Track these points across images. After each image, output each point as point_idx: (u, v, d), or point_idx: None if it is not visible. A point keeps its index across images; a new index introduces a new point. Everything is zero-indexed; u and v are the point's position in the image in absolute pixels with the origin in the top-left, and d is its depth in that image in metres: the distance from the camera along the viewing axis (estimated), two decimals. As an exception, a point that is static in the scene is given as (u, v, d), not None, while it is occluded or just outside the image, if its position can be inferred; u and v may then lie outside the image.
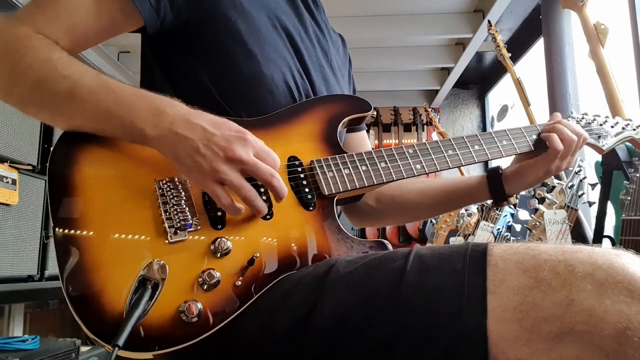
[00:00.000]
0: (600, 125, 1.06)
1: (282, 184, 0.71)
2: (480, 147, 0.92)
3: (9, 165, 1.83)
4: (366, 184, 0.83)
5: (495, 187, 1.01)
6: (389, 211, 1.09)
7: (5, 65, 0.73)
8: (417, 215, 1.15)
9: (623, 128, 1.09)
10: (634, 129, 1.10)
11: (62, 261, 0.65)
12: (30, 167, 1.96)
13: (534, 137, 0.97)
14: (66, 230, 0.67)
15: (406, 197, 1.08)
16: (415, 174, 0.87)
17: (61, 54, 0.74)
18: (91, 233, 0.68)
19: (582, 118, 1.05)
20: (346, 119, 0.90)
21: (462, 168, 3.75)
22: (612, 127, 1.08)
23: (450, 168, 0.90)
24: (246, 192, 0.69)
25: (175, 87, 0.86)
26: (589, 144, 1.05)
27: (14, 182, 1.83)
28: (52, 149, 0.73)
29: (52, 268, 2.05)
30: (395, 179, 0.85)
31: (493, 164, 1.07)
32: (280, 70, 0.87)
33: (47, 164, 0.72)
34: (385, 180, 0.84)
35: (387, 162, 0.86)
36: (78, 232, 0.67)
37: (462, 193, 1.05)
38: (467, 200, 1.07)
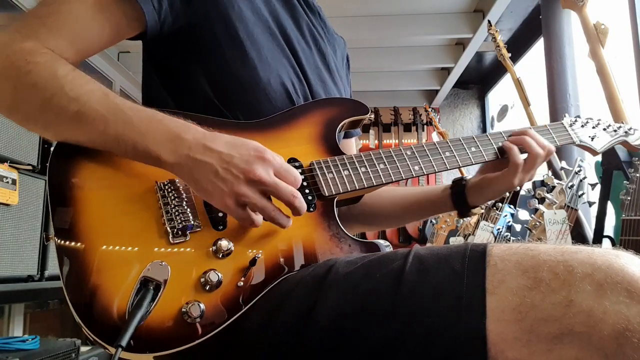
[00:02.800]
0: (593, 127, 1.08)
1: (302, 202, 0.70)
2: (477, 149, 0.93)
3: (9, 165, 1.83)
4: (365, 185, 0.83)
5: (458, 198, 1.00)
6: (360, 218, 1.08)
7: (8, 82, 0.70)
8: (387, 224, 1.15)
9: (615, 131, 1.11)
10: (626, 132, 1.12)
11: (63, 263, 0.65)
12: (30, 167, 1.96)
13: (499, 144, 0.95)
14: (67, 233, 0.67)
15: (378, 206, 1.07)
16: (414, 175, 0.87)
17: (66, 69, 0.71)
18: (93, 235, 0.68)
19: (576, 120, 1.07)
20: (344, 122, 0.91)
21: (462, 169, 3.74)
22: (605, 129, 1.10)
23: (447, 169, 0.91)
24: (269, 212, 0.69)
25: (173, 92, 0.87)
26: (584, 147, 1.06)
27: (14, 182, 1.83)
28: (52, 150, 0.73)
29: (52, 268, 2.05)
30: (394, 180, 0.86)
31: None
32: (277, 74, 0.87)
33: (48, 165, 0.72)
34: (384, 182, 0.85)
35: (386, 163, 0.86)
36: (79, 234, 0.67)
37: (427, 203, 1.04)
38: (433, 210, 1.06)
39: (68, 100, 0.68)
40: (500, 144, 0.94)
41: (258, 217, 0.70)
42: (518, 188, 1.95)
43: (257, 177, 0.66)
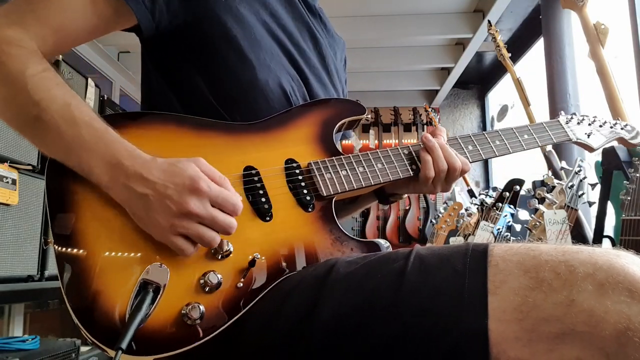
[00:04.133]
0: (589, 125, 1.08)
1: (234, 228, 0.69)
2: (474, 148, 0.93)
3: (9, 165, 1.83)
4: (364, 185, 0.84)
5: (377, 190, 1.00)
6: None
7: None
8: None
9: (611, 127, 1.11)
10: (622, 128, 1.13)
11: (62, 267, 0.65)
12: (30, 167, 1.96)
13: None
14: (66, 236, 0.67)
15: None
16: (411, 174, 0.88)
17: (37, 69, 0.70)
18: (91, 238, 0.67)
19: (572, 118, 1.07)
20: (342, 122, 0.91)
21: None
22: (601, 126, 1.10)
23: None
24: (207, 240, 0.67)
25: (172, 91, 0.86)
26: (580, 144, 1.06)
27: (14, 182, 1.82)
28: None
29: (52, 268, 2.04)
30: (392, 179, 0.86)
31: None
32: (275, 75, 0.87)
33: (46, 169, 0.72)
34: (382, 181, 0.85)
35: (384, 163, 0.87)
36: (78, 237, 0.67)
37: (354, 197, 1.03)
38: (356, 205, 1.06)
39: (30, 103, 0.68)
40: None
41: (193, 248, 0.68)
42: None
43: (189, 210, 0.65)
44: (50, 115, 0.68)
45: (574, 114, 1.09)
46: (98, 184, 0.68)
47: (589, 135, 1.06)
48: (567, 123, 1.05)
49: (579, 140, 1.05)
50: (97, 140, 0.68)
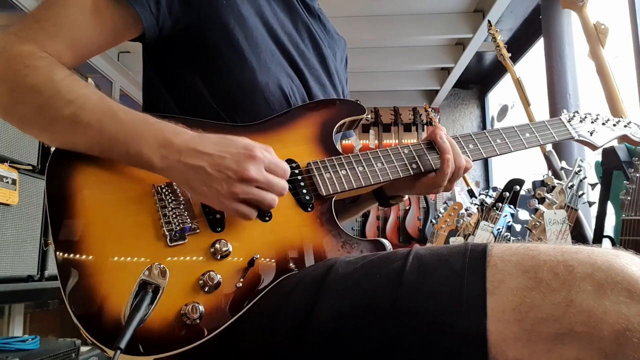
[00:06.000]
0: (592, 122, 1.07)
1: (286, 190, 0.72)
2: (475, 147, 0.93)
3: (9, 165, 1.83)
4: (363, 184, 0.84)
5: (377, 191, 1.01)
6: None
7: (6, 85, 0.71)
8: None
9: (614, 125, 1.10)
10: (625, 126, 1.11)
11: (62, 268, 0.65)
12: (30, 167, 1.96)
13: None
14: (66, 237, 0.67)
15: None
16: (412, 174, 0.88)
17: (64, 74, 0.72)
18: (91, 239, 0.68)
19: (574, 115, 1.06)
20: (341, 122, 0.91)
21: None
22: (604, 124, 1.09)
23: None
24: (267, 202, 0.70)
25: (173, 93, 0.87)
26: (583, 142, 1.05)
27: (14, 182, 1.82)
28: (51, 152, 0.73)
29: (52, 268, 2.04)
30: (392, 178, 0.86)
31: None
32: (275, 76, 0.87)
33: (46, 170, 0.72)
34: (382, 180, 0.85)
35: (384, 162, 0.87)
36: (77, 238, 0.67)
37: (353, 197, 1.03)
38: (357, 207, 1.07)
39: (64, 103, 0.69)
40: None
41: (254, 211, 0.71)
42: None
43: (250, 176, 0.67)
44: (90, 111, 0.69)
45: (577, 111, 1.08)
46: (150, 168, 0.69)
47: (591, 133, 1.05)
48: (569, 121, 1.04)
49: (581, 139, 1.03)
50: (141, 125, 0.70)
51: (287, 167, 0.72)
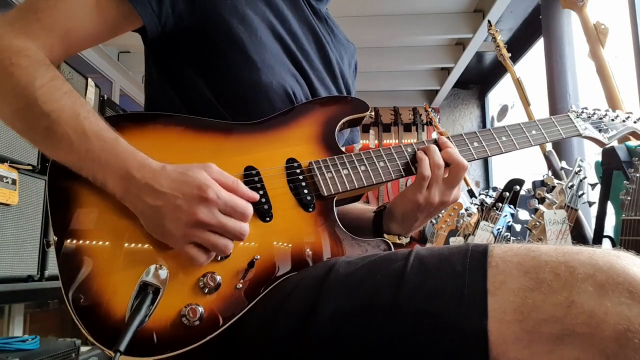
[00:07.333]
0: (601, 118, 1.04)
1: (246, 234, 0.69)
2: (479, 144, 0.91)
3: (9, 165, 1.83)
4: (365, 184, 0.83)
5: (376, 226, 0.94)
6: None
7: None
8: None
9: (624, 121, 1.07)
10: (635, 122, 1.08)
11: (63, 269, 0.65)
12: (30, 167, 1.96)
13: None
14: (67, 238, 0.67)
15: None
16: (415, 173, 0.87)
17: (45, 78, 0.70)
18: (91, 240, 0.68)
19: (582, 111, 1.03)
20: (344, 120, 0.90)
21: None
22: (613, 120, 1.06)
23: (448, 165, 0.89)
24: (220, 248, 0.67)
25: (174, 91, 0.86)
26: (591, 138, 1.02)
27: (14, 182, 1.82)
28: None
29: (52, 268, 2.04)
30: (394, 178, 0.85)
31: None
32: (280, 76, 0.87)
33: (48, 169, 0.72)
34: (384, 180, 0.84)
35: (386, 161, 0.86)
36: (78, 239, 0.67)
37: (356, 224, 0.95)
38: (361, 233, 0.96)
39: (40, 114, 0.68)
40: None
41: (206, 256, 0.68)
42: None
43: (200, 219, 0.65)
44: (62, 127, 0.68)
45: (585, 107, 1.05)
46: (113, 195, 0.69)
47: (599, 130, 1.02)
48: (577, 117, 1.01)
49: (589, 135, 1.00)
50: (108, 154, 0.68)
51: (247, 209, 0.68)
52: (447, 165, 0.85)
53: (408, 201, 0.87)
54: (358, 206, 1.01)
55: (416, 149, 0.87)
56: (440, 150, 0.86)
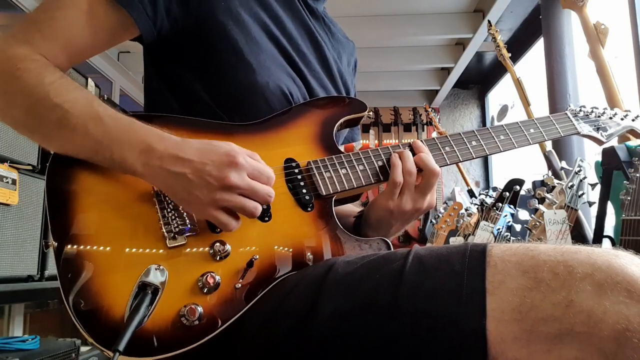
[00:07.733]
0: (599, 116, 1.04)
1: (272, 197, 0.71)
2: (478, 143, 0.91)
3: (9, 165, 1.83)
4: (364, 184, 0.83)
5: (358, 230, 0.91)
6: None
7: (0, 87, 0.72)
8: None
9: (622, 119, 1.07)
10: (633, 120, 1.08)
11: (62, 269, 0.65)
12: (30, 167, 1.96)
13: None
14: (65, 239, 0.67)
15: None
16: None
17: (54, 76, 0.72)
18: (90, 240, 0.68)
19: (580, 110, 1.03)
20: (342, 120, 0.90)
21: (460, 167, 3.74)
22: (611, 118, 1.06)
23: (447, 164, 0.89)
24: (249, 210, 0.69)
25: (172, 92, 0.87)
26: (589, 136, 1.02)
27: (14, 182, 1.82)
28: (51, 154, 0.73)
29: (52, 268, 2.04)
30: None
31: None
32: (276, 77, 0.87)
33: (46, 170, 0.72)
34: (382, 179, 0.84)
35: (385, 161, 0.86)
36: (77, 239, 0.67)
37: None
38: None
39: (52, 107, 0.70)
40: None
41: (237, 222, 0.70)
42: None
43: (232, 183, 0.67)
44: (76, 115, 0.70)
45: (583, 106, 1.05)
46: (133, 173, 0.69)
47: (597, 128, 1.02)
48: (575, 116, 1.01)
49: (587, 134, 1.00)
50: (125, 131, 0.70)
51: (272, 174, 0.71)
52: (420, 171, 0.83)
53: (380, 208, 0.84)
54: (346, 208, 1.00)
55: (392, 152, 0.85)
56: (413, 155, 0.84)
